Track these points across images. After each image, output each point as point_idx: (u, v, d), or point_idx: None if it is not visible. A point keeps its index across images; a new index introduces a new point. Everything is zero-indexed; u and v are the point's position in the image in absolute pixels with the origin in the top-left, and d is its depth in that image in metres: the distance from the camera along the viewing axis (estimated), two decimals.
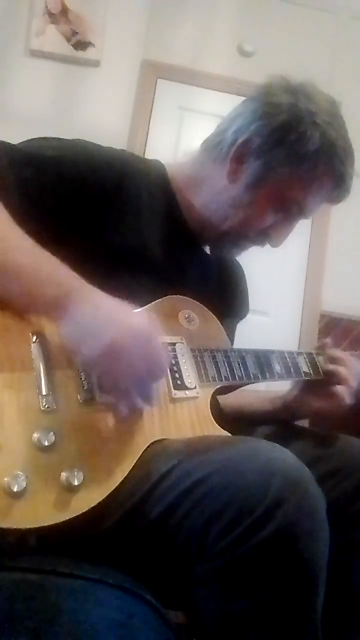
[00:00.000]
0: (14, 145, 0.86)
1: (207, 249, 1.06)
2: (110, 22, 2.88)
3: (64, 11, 2.83)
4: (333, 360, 0.96)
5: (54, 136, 0.91)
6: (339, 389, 0.93)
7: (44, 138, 0.90)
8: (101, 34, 2.86)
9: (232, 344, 1.02)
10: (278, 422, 1.01)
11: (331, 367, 0.95)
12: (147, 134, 2.90)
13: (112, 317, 0.69)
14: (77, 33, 2.84)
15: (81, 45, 2.85)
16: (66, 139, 0.91)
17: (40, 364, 0.70)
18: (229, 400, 1.04)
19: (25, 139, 0.90)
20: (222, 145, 0.95)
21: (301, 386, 0.98)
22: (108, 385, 0.71)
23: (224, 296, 1.06)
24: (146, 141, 2.89)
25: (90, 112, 2.84)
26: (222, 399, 1.03)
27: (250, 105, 0.93)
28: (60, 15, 2.83)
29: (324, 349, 0.98)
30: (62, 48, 2.83)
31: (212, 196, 0.96)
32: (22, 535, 0.62)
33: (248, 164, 0.92)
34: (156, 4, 2.97)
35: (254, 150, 0.91)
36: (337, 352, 0.97)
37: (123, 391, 0.71)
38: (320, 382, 0.95)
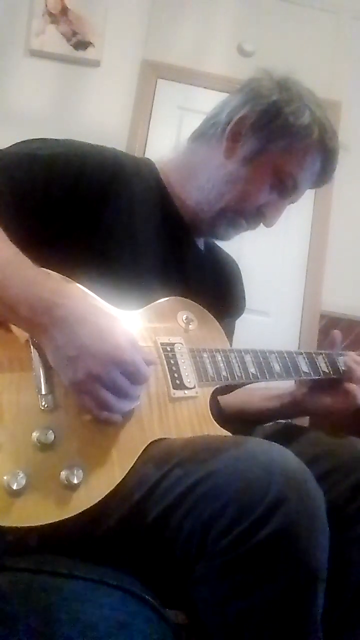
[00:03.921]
0: (3, 149, 0.86)
1: (202, 245, 1.06)
2: (110, 22, 2.88)
3: (64, 11, 2.83)
4: (350, 359, 0.97)
5: (48, 137, 0.92)
6: (353, 387, 0.93)
7: (34, 139, 0.91)
8: (101, 34, 2.86)
9: (230, 342, 1.02)
10: (281, 419, 1.01)
11: (350, 365, 0.95)
12: (147, 134, 2.89)
13: (85, 347, 0.66)
14: (77, 33, 2.84)
15: (81, 45, 2.85)
16: (56, 139, 0.92)
17: (40, 364, 0.70)
18: (232, 398, 1.04)
19: (25, 139, 0.91)
20: (216, 127, 0.97)
21: (311, 384, 0.98)
22: (90, 404, 0.69)
23: (220, 295, 1.06)
24: (146, 141, 2.89)
25: (90, 112, 2.84)
26: (225, 396, 1.03)
27: (239, 93, 0.98)
28: (60, 15, 2.83)
29: (334, 344, 0.99)
30: (62, 48, 2.83)
31: (208, 176, 0.97)
32: (21, 534, 0.62)
33: (245, 139, 0.94)
34: (156, 4, 2.97)
35: (250, 125, 0.94)
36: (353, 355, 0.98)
37: (107, 406, 0.69)
38: (333, 381, 0.95)
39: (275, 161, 0.94)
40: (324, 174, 0.98)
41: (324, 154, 0.95)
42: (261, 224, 1.01)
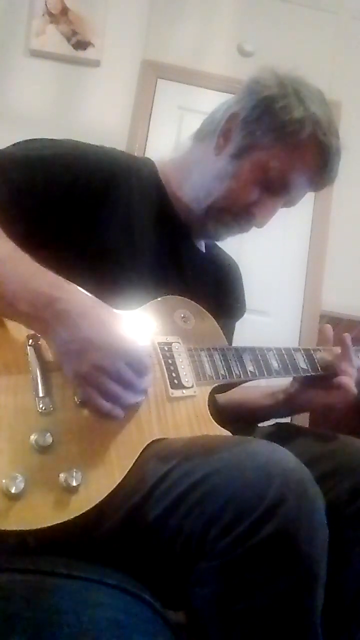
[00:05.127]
0: (2, 149, 0.86)
1: (202, 246, 1.06)
2: (110, 22, 2.88)
3: (64, 11, 2.83)
4: (331, 353, 0.96)
5: (48, 137, 0.92)
6: (344, 380, 0.92)
7: (33, 140, 0.91)
8: (101, 34, 2.86)
9: (230, 344, 1.01)
10: (278, 417, 1.01)
11: (330, 359, 0.95)
12: (147, 134, 2.89)
13: (89, 340, 0.67)
14: (77, 33, 2.84)
15: (81, 45, 2.85)
16: (55, 139, 0.91)
17: (37, 366, 0.70)
18: (228, 396, 1.04)
19: (24, 139, 0.91)
20: (212, 125, 0.97)
21: (304, 380, 0.97)
22: (95, 396, 0.69)
23: (219, 296, 1.06)
24: (146, 141, 2.88)
25: (90, 112, 2.84)
26: (221, 394, 1.02)
27: (239, 91, 0.96)
28: (60, 15, 2.83)
29: (326, 336, 0.99)
30: (62, 48, 2.83)
31: (199, 174, 0.96)
32: (21, 536, 0.62)
33: (234, 135, 0.93)
34: (156, 4, 2.97)
35: (240, 122, 0.92)
36: (336, 348, 0.97)
37: (113, 397, 0.69)
38: (323, 377, 0.94)
39: (262, 158, 0.91)
40: (321, 175, 0.93)
41: (318, 151, 0.90)
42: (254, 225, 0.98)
